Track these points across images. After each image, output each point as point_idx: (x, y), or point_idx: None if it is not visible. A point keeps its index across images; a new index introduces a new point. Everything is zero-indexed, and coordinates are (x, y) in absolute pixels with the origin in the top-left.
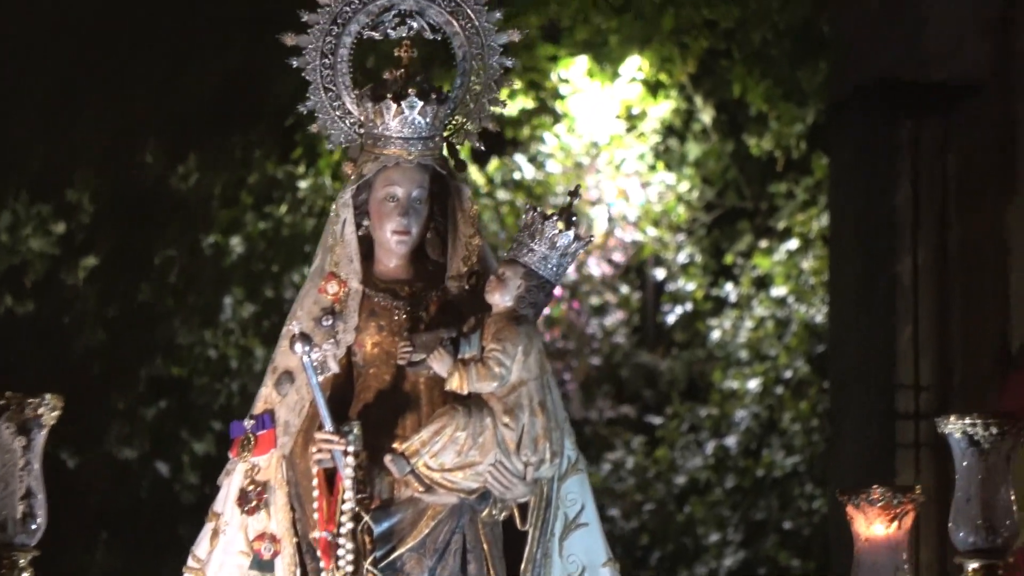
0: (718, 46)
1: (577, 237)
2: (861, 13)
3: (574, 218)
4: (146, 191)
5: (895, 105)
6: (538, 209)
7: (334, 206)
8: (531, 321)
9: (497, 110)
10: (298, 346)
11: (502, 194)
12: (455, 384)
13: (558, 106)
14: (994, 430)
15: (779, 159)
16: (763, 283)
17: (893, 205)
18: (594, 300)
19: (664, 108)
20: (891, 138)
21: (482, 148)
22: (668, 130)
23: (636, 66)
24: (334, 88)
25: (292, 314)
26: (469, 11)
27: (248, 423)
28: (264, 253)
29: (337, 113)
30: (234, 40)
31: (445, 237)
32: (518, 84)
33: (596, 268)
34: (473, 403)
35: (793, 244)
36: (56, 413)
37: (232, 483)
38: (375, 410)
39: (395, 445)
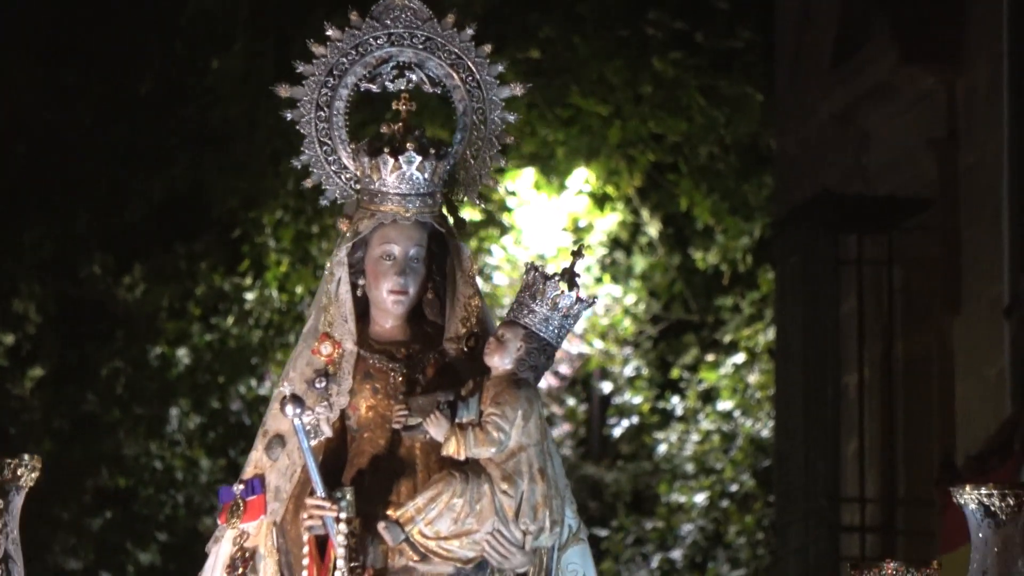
0: (665, 160)
1: (579, 299)
2: (807, 129)
3: (577, 278)
4: (92, 302)
5: (840, 219)
6: (539, 269)
7: (328, 264)
8: (531, 385)
9: (497, 166)
10: (289, 408)
11: None
12: (452, 449)
13: (505, 218)
14: (1011, 501)
15: (725, 273)
16: (709, 397)
17: (838, 319)
18: None
19: (611, 221)
20: (836, 252)
21: (482, 205)
22: (614, 243)
23: (583, 179)
24: (329, 142)
25: (284, 375)
26: (470, 64)
27: (237, 488)
28: (210, 364)
29: (332, 168)
30: (179, 154)
31: (443, 297)
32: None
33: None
34: (471, 469)
35: (739, 358)
36: (35, 475)
37: (220, 551)
38: (369, 475)
39: (389, 512)
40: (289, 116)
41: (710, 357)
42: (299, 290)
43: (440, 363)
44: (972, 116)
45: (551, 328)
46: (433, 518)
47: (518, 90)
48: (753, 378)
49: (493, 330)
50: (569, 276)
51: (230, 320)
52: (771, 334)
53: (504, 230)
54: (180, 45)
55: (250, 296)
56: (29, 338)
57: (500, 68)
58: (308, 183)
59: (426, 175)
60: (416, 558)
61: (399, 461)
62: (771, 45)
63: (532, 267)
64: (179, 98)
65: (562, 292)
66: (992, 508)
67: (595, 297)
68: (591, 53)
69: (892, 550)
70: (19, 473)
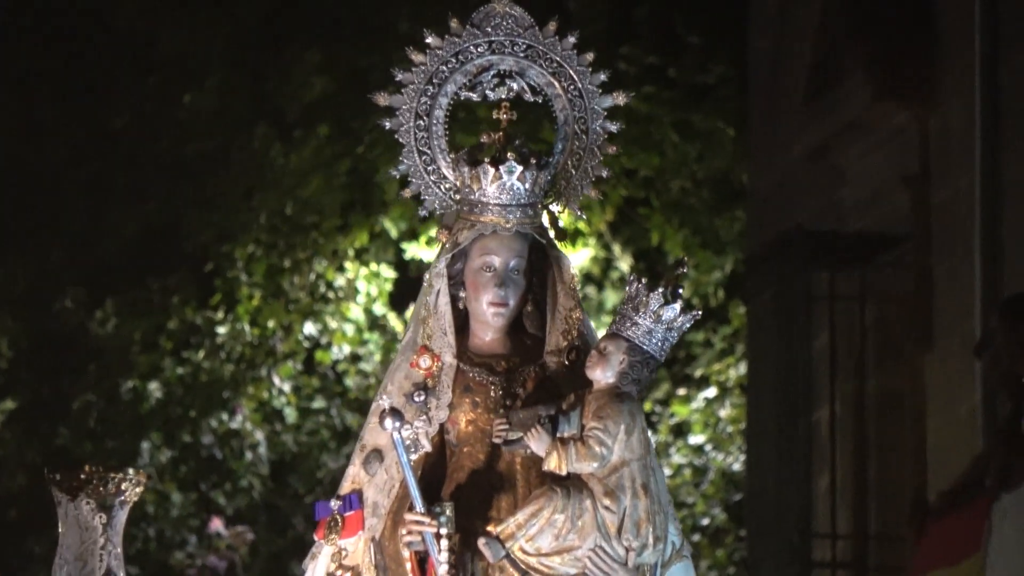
0: (637, 195)
1: (684, 310)
2: (780, 163)
3: (680, 290)
4: (65, 336)
5: (813, 255)
6: (643, 280)
7: (427, 276)
8: (634, 399)
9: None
10: (388, 422)
11: None
12: (553, 464)
13: None
14: None
15: (696, 307)
16: (681, 431)
17: (811, 354)
18: None
19: (583, 256)
20: (809, 288)
21: (583, 217)
22: (586, 278)
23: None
24: (429, 151)
25: (382, 388)
26: (572, 72)
27: (335, 504)
28: (182, 398)
29: (432, 178)
30: (152, 189)
31: (543, 310)
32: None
33: None
34: (572, 484)
35: (711, 392)
36: (139, 489)
37: (318, 567)
38: (468, 491)
39: (489, 528)
40: (388, 125)
41: (681, 391)
42: (271, 324)
43: (540, 376)
44: (945, 152)
45: (654, 341)
46: (534, 534)
47: (621, 99)
48: (724, 412)
49: (594, 343)
50: (673, 287)
51: (202, 354)
52: (742, 369)
53: None
54: (154, 80)
55: (222, 330)
56: (2, 372)
57: (603, 77)
58: (406, 193)
59: (527, 185)
60: (517, 575)
61: (499, 476)
62: (744, 80)
63: (635, 279)
64: (153, 133)
65: (666, 303)
66: None
67: (700, 309)
68: None
69: None
70: (123, 488)
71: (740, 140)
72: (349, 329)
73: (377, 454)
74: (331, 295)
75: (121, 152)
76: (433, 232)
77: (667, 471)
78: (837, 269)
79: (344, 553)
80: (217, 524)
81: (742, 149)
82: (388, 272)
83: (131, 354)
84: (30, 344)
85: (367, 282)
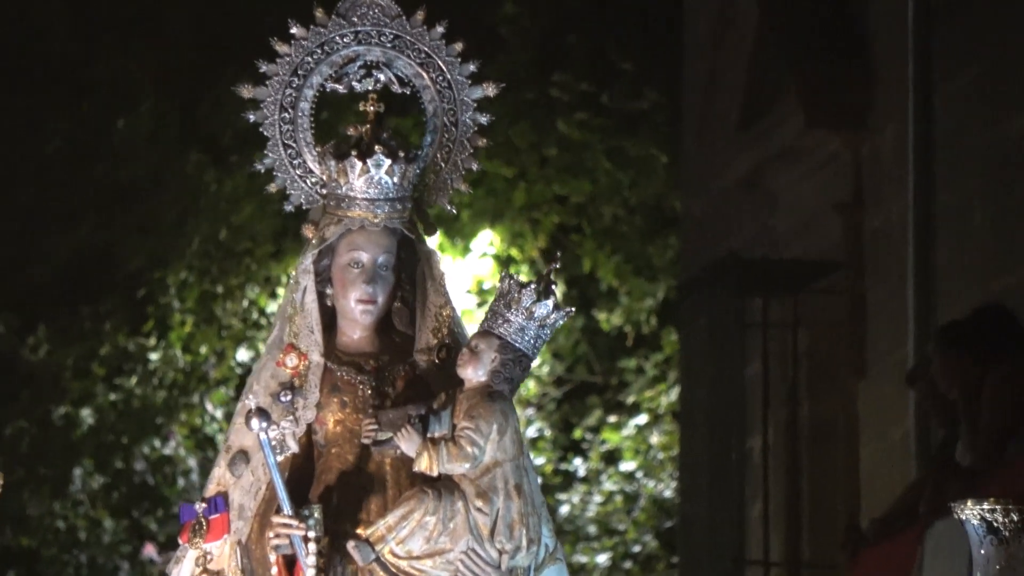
0: (569, 221)
1: (556, 306)
2: (713, 190)
3: (553, 286)
4: None
5: (746, 282)
6: (515, 277)
7: (293, 272)
8: (506, 398)
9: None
10: (255, 422)
11: None
12: (424, 465)
13: None
14: (1015, 516)
15: (629, 334)
16: (612, 458)
17: (744, 381)
18: None
19: None
20: (742, 314)
21: (454, 212)
22: None
23: (488, 241)
24: (294, 144)
25: (248, 388)
26: (440, 63)
27: (199, 507)
28: (115, 425)
29: (298, 172)
30: (85, 214)
31: (413, 307)
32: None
33: None
34: (443, 485)
35: (642, 419)
36: None
37: (182, 572)
38: (337, 492)
39: (359, 531)
40: (252, 118)
41: (613, 418)
42: (203, 350)
43: (410, 375)
44: (878, 180)
45: (527, 338)
46: (405, 537)
47: (490, 90)
48: (656, 439)
49: (465, 341)
50: (545, 284)
51: (134, 380)
52: (674, 395)
53: None
54: (88, 104)
55: (154, 356)
56: None
57: (472, 68)
58: (272, 187)
59: (395, 179)
60: None
61: (368, 477)
62: (677, 107)
63: (507, 275)
64: (86, 158)
65: (538, 300)
66: (995, 524)
67: (572, 307)
68: (497, 116)
69: None
70: None
71: (673, 167)
72: None
73: (243, 455)
74: (264, 321)
75: (53, 177)
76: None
77: (598, 498)
78: (770, 296)
79: (209, 557)
80: (150, 551)
81: (675, 176)
82: None
83: (63, 380)
84: None
85: None
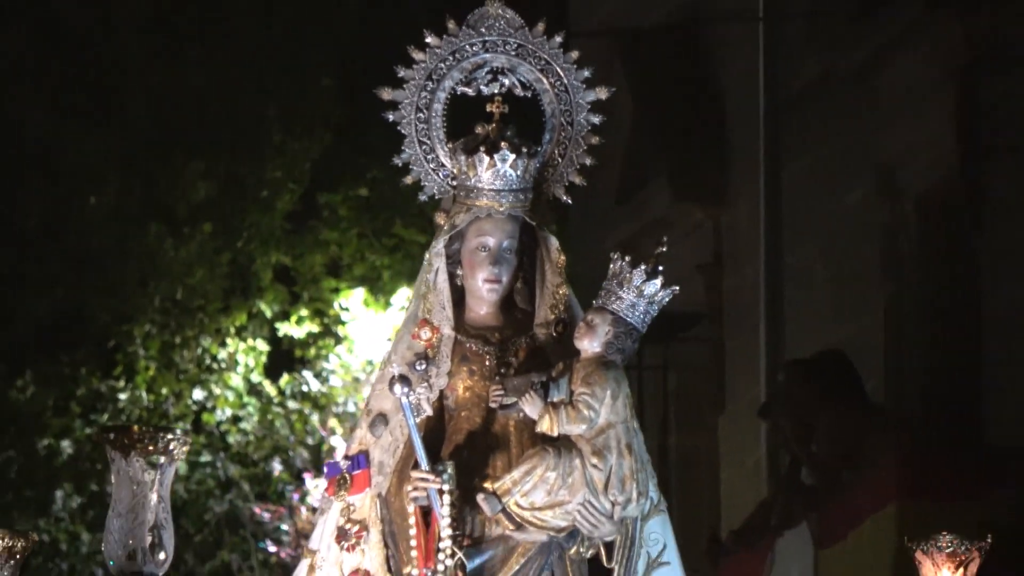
0: None
1: (664, 285)
2: (595, 254)
3: (660, 267)
4: None
5: None
6: (627, 258)
7: (427, 255)
8: (619, 367)
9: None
10: (398, 387)
11: (292, 404)
12: (545, 426)
13: (339, 330)
14: None
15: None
16: None
17: None
18: None
19: None
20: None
21: (569, 201)
22: None
23: (406, 296)
24: (428, 141)
25: (387, 359)
26: (559, 69)
27: (344, 463)
28: (90, 454)
29: (431, 165)
30: (60, 278)
31: (533, 286)
32: (304, 311)
33: None
34: (562, 444)
35: None
36: (186, 448)
37: (328, 520)
38: (467, 451)
39: (487, 484)
40: (391, 118)
41: None
42: (164, 391)
43: (531, 347)
44: (734, 245)
45: (637, 313)
46: (528, 490)
47: (603, 94)
48: None
49: (579, 317)
50: (653, 265)
51: (106, 417)
52: None
53: (339, 340)
54: (61, 184)
55: (123, 396)
56: None
57: (587, 73)
58: (408, 180)
59: (518, 172)
60: (512, 527)
61: (494, 438)
62: (570, 183)
63: (619, 256)
64: (60, 231)
65: (647, 279)
66: None
67: (676, 287)
68: (411, 190)
69: None
70: (171, 447)
71: (563, 234)
72: (230, 395)
73: (382, 418)
74: (215, 366)
75: (33, 248)
76: (304, 312)
77: None
78: (644, 343)
79: (352, 508)
80: None
81: (564, 243)
82: (263, 346)
83: (45, 417)
84: None
85: (245, 355)
